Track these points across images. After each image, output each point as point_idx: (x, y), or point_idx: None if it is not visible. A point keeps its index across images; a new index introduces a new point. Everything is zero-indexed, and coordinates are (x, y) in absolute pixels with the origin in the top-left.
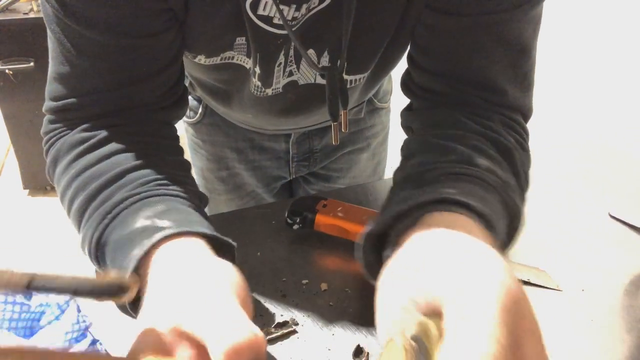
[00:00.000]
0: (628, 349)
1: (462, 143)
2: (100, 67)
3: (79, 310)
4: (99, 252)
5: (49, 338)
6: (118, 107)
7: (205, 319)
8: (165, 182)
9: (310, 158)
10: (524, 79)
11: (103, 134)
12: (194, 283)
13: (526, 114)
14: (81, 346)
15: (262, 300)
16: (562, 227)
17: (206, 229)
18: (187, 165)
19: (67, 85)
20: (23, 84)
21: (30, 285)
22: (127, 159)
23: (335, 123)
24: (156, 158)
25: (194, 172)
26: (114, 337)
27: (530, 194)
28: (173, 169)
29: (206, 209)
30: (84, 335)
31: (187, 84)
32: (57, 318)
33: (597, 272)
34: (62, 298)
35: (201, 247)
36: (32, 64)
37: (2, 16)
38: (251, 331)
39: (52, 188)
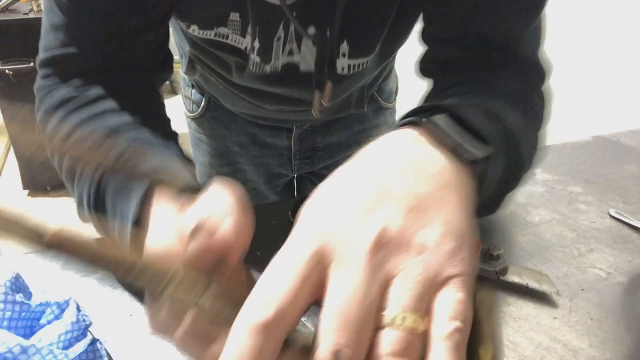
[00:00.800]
0: (628, 348)
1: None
2: (93, 18)
3: (79, 310)
4: (98, 201)
5: (48, 337)
6: (108, 63)
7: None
8: (157, 140)
9: (313, 156)
10: (536, 31)
11: (93, 92)
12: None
13: (542, 66)
14: (81, 345)
15: None
16: (562, 227)
17: (195, 181)
18: (174, 137)
19: (60, 36)
20: (23, 84)
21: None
22: (119, 117)
23: (319, 93)
24: (148, 118)
25: (196, 169)
26: (114, 337)
27: (530, 194)
28: (159, 137)
29: None
30: (84, 335)
31: (187, 69)
32: (57, 317)
33: (597, 272)
34: (62, 297)
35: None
36: (32, 64)
37: (2, 16)
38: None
39: (52, 188)
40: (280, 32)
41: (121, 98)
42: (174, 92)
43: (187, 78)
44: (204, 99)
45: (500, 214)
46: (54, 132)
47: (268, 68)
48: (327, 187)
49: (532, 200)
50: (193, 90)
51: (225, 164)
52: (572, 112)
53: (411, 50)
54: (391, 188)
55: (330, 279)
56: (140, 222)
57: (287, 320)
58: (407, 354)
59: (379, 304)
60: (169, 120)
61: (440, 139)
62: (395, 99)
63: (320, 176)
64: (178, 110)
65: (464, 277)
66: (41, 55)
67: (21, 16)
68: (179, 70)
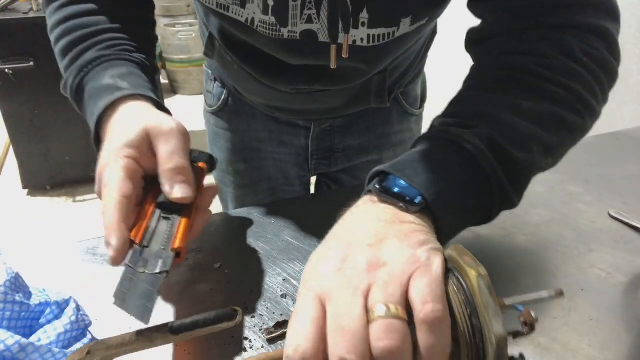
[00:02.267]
0: (628, 349)
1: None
2: None
3: (78, 309)
4: (77, 96)
5: (48, 337)
6: None
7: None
8: (131, 48)
9: (331, 157)
10: None
11: None
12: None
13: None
14: (80, 345)
15: (262, 299)
16: (562, 227)
17: (154, 95)
18: (152, 39)
19: None
20: (23, 83)
21: (172, 328)
22: (105, 21)
23: (333, 45)
24: (129, 26)
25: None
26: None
27: (530, 194)
28: (140, 39)
29: (215, 203)
30: (83, 335)
31: (206, 48)
32: (56, 317)
33: (597, 272)
34: (61, 297)
35: (148, 106)
36: (31, 63)
37: (2, 16)
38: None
39: (52, 188)
40: None
41: (110, 3)
42: (174, 91)
43: (210, 72)
44: (224, 92)
45: (500, 214)
46: (49, 17)
47: (285, 32)
48: (314, 254)
49: (532, 200)
50: (215, 84)
51: (242, 161)
52: None
53: (442, 57)
54: (355, 239)
55: (328, 312)
56: (101, 123)
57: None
58: (396, 336)
59: (365, 316)
60: (150, 29)
61: (387, 201)
62: (422, 106)
63: (337, 180)
64: (178, 110)
65: (425, 266)
66: None
67: (21, 16)
68: (180, 69)
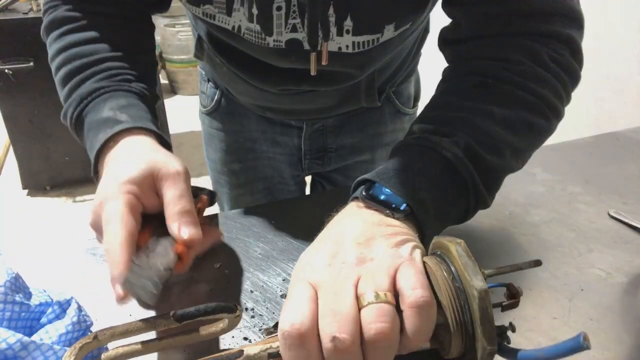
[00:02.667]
0: (628, 349)
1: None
2: None
3: (80, 309)
4: (77, 128)
5: (49, 337)
6: None
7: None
8: (131, 77)
9: (324, 157)
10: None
11: (88, 18)
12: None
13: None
14: None
15: (262, 300)
16: (562, 227)
17: (154, 126)
18: (153, 65)
19: None
20: (23, 83)
21: (176, 315)
22: (104, 49)
23: (313, 53)
24: (129, 54)
25: (207, 166)
26: None
27: (530, 194)
28: (140, 67)
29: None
30: (84, 335)
31: (195, 49)
32: (58, 317)
33: (596, 272)
34: (63, 297)
35: (150, 142)
36: (31, 63)
37: (2, 16)
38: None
39: (52, 188)
40: (281, 1)
41: (109, 30)
42: (174, 92)
43: (203, 73)
44: (217, 93)
45: (500, 214)
46: (49, 46)
47: (270, 41)
48: (305, 252)
49: (532, 200)
50: (209, 84)
51: (236, 161)
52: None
53: (436, 56)
54: (344, 238)
55: (319, 298)
56: (100, 156)
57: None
58: (387, 319)
59: (356, 303)
60: (151, 54)
61: (374, 207)
62: (415, 105)
63: (331, 180)
64: (178, 110)
65: (409, 261)
66: None
67: (21, 16)
68: (180, 69)
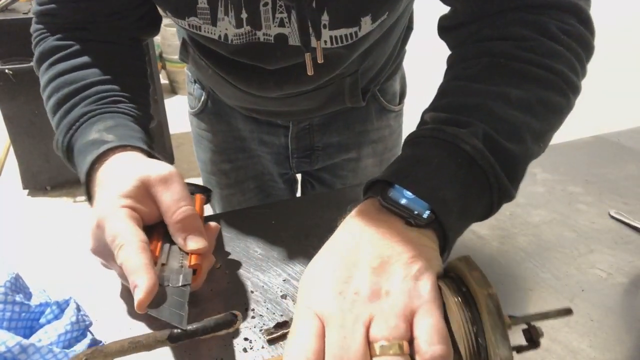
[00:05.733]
0: (628, 349)
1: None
2: None
3: (79, 310)
4: (68, 155)
5: (48, 337)
6: (86, 19)
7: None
8: (121, 99)
9: (311, 155)
10: None
11: (77, 46)
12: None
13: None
14: (81, 345)
15: (262, 300)
16: (562, 227)
17: (143, 144)
18: (145, 87)
19: None
20: (23, 83)
21: (172, 336)
22: (93, 74)
23: (307, 53)
24: (120, 77)
25: (198, 167)
26: (114, 337)
27: (530, 195)
28: (131, 89)
29: (208, 205)
30: (84, 335)
31: (180, 53)
32: (56, 317)
33: (597, 272)
34: (62, 297)
35: (138, 155)
36: (32, 63)
37: (2, 16)
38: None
39: (52, 188)
40: None
41: (97, 56)
42: (174, 92)
43: (190, 74)
44: (204, 94)
45: (500, 214)
46: (41, 77)
47: (260, 35)
48: (314, 265)
49: (532, 200)
50: (195, 86)
51: (226, 161)
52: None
53: (421, 53)
54: (358, 258)
55: (327, 337)
56: (90, 179)
57: None
58: None
59: (367, 348)
60: (141, 76)
61: (393, 212)
62: (401, 102)
63: (319, 179)
64: (178, 110)
65: (430, 303)
66: (35, 6)
67: (21, 16)
68: (180, 69)
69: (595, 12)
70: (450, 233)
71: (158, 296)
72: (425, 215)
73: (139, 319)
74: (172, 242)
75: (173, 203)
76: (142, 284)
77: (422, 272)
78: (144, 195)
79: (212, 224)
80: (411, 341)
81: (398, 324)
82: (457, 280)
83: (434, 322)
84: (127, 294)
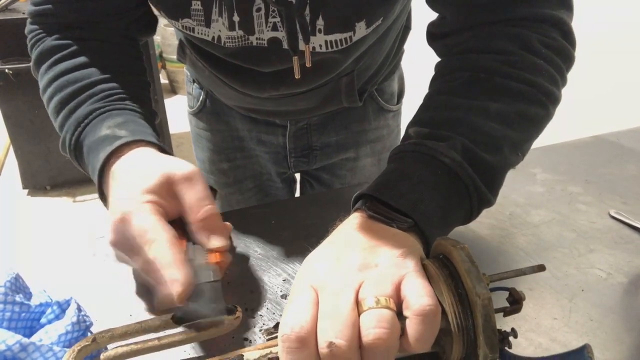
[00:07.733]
0: (628, 349)
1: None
2: None
3: (79, 310)
4: (77, 154)
5: (49, 337)
6: (83, 18)
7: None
8: (126, 97)
9: (309, 155)
10: None
11: (76, 45)
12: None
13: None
14: None
15: (262, 300)
16: (562, 227)
17: (156, 140)
18: (146, 86)
19: None
20: (23, 83)
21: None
22: (96, 72)
23: (295, 56)
24: (121, 76)
25: (197, 166)
26: None
27: (530, 195)
28: (133, 87)
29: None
30: (84, 335)
31: (177, 53)
32: (57, 317)
33: (597, 272)
34: (62, 297)
35: (154, 151)
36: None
37: (2, 16)
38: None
39: (52, 188)
40: (259, 2)
41: (98, 55)
42: (174, 91)
43: (189, 74)
44: (202, 93)
45: (500, 214)
46: (41, 78)
47: (253, 40)
48: (311, 254)
49: (532, 200)
50: (194, 85)
51: (224, 160)
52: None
53: (420, 52)
54: (350, 243)
55: (320, 299)
56: (104, 175)
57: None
58: (387, 325)
59: (356, 307)
60: (141, 74)
61: (378, 219)
62: (399, 102)
63: (318, 178)
64: (178, 110)
65: (416, 272)
66: (30, 7)
67: (21, 16)
68: (180, 69)
69: (595, 13)
70: (431, 238)
71: (192, 297)
72: (405, 225)
73: (140, 319)
74: (189, 239)
75: (197, 202)
76: (180, 277)
77: (408, 253)
78: (166, 191)
79: (226, 223)
80: (400, 314)
81: (386, 285)
82: (438, 256)
83: (421, 282)
84: (143, 292)
